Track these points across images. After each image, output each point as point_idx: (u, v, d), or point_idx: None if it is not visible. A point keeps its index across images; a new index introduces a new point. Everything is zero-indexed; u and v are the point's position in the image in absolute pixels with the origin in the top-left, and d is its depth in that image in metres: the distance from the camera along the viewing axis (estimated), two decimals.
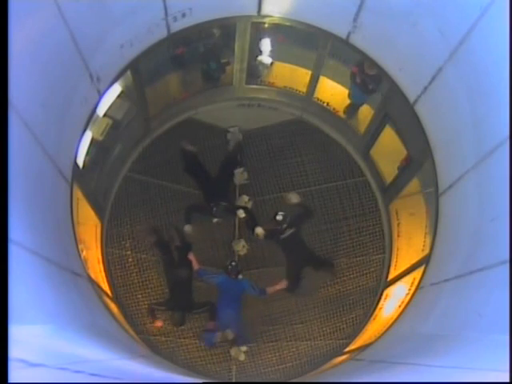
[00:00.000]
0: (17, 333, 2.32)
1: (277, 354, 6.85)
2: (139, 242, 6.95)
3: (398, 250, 6.68)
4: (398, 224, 6.69)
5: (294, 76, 7.08)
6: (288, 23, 5.63)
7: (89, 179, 5.84)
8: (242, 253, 7.07)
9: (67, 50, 3.97)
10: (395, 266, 6.61)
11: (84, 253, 5.27)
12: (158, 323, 6.49)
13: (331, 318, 6.95)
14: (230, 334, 6.35)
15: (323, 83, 6.92)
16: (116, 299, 6.51)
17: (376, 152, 6.89)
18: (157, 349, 6.55)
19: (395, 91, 5.39)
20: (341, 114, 7.18)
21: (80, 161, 5.18)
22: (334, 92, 7.06)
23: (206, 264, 6.82)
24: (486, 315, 3.26)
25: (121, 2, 4.37)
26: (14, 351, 2.14)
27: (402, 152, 6.13)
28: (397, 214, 6.72)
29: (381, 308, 6.64)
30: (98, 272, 6.21)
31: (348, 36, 5.30)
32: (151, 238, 6.72)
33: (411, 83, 5.05)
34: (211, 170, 7.01)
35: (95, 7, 4.09)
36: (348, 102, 7.02)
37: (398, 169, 6.43)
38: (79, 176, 5.11)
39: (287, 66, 7.12)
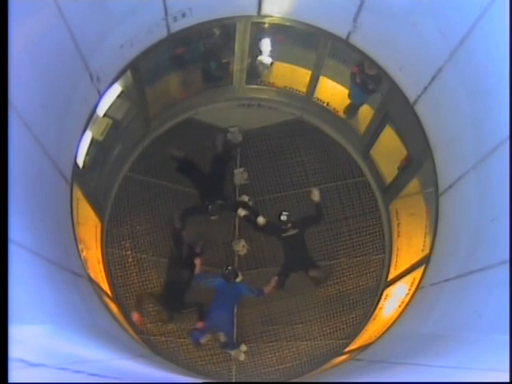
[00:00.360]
0: (17, 333, 2.32)
1: (277, 354, 6.85)
2: (139, 241, 6.95)
3: (397, 250, 6.68)
4: (398, 224, 6.69)
5: (294, 76, 7.08)
6: (288, 23, 5.63)
7: (89, 179, 5.84)
8: (242, 253, 7.07)
9: (67, 50, 3.97)
10: (395, 266, 6.61)
11: (84, 253, 5.27)
12: (136, 316, 6.33)
13: (331, 317, 6.95)
14: (221, 337, 6.36)
15: (323, 83, 6.92)
16: (116, 299, 6.51)
17: (376, 152, 6.89)
18: (157, 349, 6.55)
19: (395, 91, 5.39)
20: (341, 114, 7.18)
21: (80, 161, 5.18)
22: (334, 92, 7.06)
23: (206, 264, 6.83)
24: (486, 315, 3.26)
25: (121, 1, 4.37)
26: (14, 351, 2.14)
27: (402, 152, 6.13)
28: (397, 214, 6.72)
29: (381, 308, 6.64)
30: (97, 272, 6.21)
31: (348, 36, 5.30)
32: (176, 225, 6.67)
33: (411, 83, 5.05)
34: (204, 168, 6.96)
35: (95, 7, 4.09)
36: (348, 102, 7.02)
37: (398, 169, 6.43)
38: (79, 176, 5.11)
39: (287, 65, 7.12)
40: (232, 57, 6.64)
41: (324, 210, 6.86)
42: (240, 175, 7.32)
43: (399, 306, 5.67)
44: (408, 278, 5.77)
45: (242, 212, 6.83)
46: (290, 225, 6.42)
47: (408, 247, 6.36)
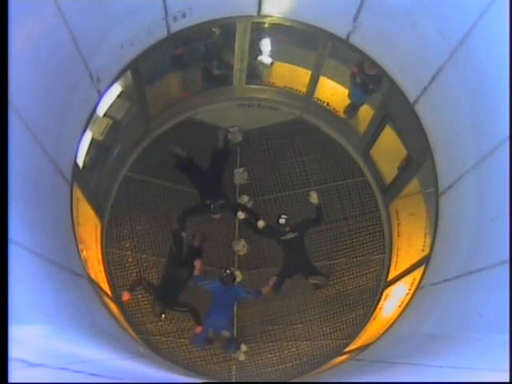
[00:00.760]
0: (17, 333, 2.32)
1: (277, 354, 6.85)
2: (139, 241, 6.95)
3: (398, 250, 6.68)
4: (398, 224, 6.69)
5: (294, 76, 7.08)
6: (288, 23, 5.63)
7: (89, 179, 5.84)
8: (242, 253, 7.07)
9: (67, 50, 3.97)
10: (395, 266, 6.61)
11: (84, 253, 5.27)
12: (127, 296, 6.28)
13: (331, 317, 6.95)
14: (225, 332, 6.35)
15: (323, 83, 6.92)
16: (116, 299, 6.51)
17: (376, 152, 6.89)
18: (157, 349, 6.55)
19: (395, 91, 5.39)
20: (341, 114, 7.18)
21: (80, 161, 5.18)
22: (334, 92, 7.06)
23: (205, 264, 6.83)
24: (485, 315, 3.26)
25: (121, 1, 4.36)
26: (14, 351, 2.14)
27: (402, 152, 6.13)
28: (397, 214, 6.72)
29: (381, 308, 6.64)
30: (97, 272, 6.21)
31: (348, 36, 5.30)
32: (174, 226, 6.68)
33: (411, 83, 5.05)
34: (203, 166, 6.95)
35: (95, 7, 4.09)
36: (348, 102, 7.02)
37: (398, 169, 6.43)
38: (79, 176, 5.11)
39: (287, 65, 7.11)
40: (232, 57, 6.64)
41: (324, 210, 6.85)
42: (240, 175, 7.32)
43: (399, 306, 5.67)
44: (408, 278, 5.77)
45: (241, 215, 6.83)
46: (288, 228, 6.42)
47: (408, 247, 6.36)
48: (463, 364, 2.90)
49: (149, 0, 4.70)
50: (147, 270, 6.88)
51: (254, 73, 7.06)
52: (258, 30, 6.19)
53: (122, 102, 5.95)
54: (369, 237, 7.10)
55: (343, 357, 6.46)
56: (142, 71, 5.84)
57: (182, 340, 6.78)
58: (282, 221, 6.39)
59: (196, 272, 6.42)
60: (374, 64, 5.47)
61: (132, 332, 6.24)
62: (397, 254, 6.66)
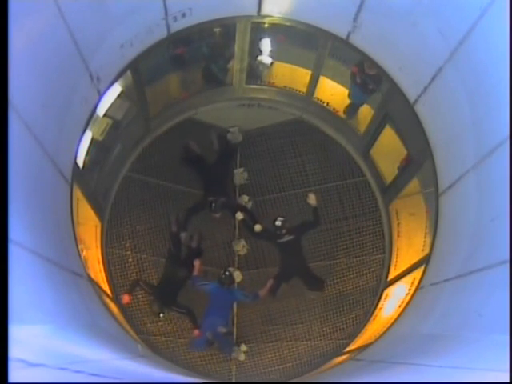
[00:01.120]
0: (17, 333, 2.32)
1: (277, 354, 6.85)
2: (139, 241, 6.95)
3: (398, 249, 6.68)
4: (398, 224, 6.69)
5: (294, 76, 7.08)
6: (288, 23, 5.63)
7: (89, 179, 5.84)
8: (242, 253, 7.07)
9: (67, 50, 3.97)
10: (395, 266, 6.61)
11: (84, 253, 5.27)
12: (127, 298, 6.30)
13: (331, 317, 6.96)
14: (222, 329, 6.34)
15: (323, 83, 6.92)
16: (116, 299, 6.51)
17: (376, 152, 6.89)
18: (157, 349, 6.55)
19: (395, 91, 5.39)
20: (341, 114, 7.18)
21: (80, 161, 5.18)
22: (334, 92, 7.06)
23: (205, 264, 6.83)
24: (485, 315, 3.26)
25: (121, 1, 4.37)
26: (14, 351, 2.14)
27: (402, 152, 6.13)
28: (397, 214, 6.72)
29: (381, 308, 6.64)
30: (97, 272, 6.21)
31: (348, 36, 5.30)
32: (173, 228, 6.68)
33: (411, 83, 5.05)
34: (210, 163, 6.97)
35: (95, 7, 4.09)
36: (348, 102, 7.02)
37: (398, 169, 6.43)
38: (79, 176, 5.11)
39: (287, 65, 7.11)
40: (232, 57, 6.64)
41: (321, 213, 6.81)
42: (240, 175, 7.32)
43: (399, 306, 5.67)
44: (408, 278, 5.77)
45: (239, 216, 6.83)
46: (285, 230, 6.39)
47: (408, 247, 6.36)
48: (463, 364, 2.90)
49: (149, 0, 4.70)
50: (147, 270, 6.88)
51: (254, 73, 7.07)
52: (258, 29, 6.19)
53: (121, 102, 5.95)
54: (369, 237, 7.10)
55: (343, 357, 6.46)
56: (142, 71, 5.84)
57: (182, 340, 6.78)
58: (278, 223, 6.37)
59: (195, 272, 6.41)
60: (374, 64, 5.47)
61: (132, 332, 6.25)
62: (397, 254, 6.67)
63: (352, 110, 7.08)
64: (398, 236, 6.69)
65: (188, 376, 5.93)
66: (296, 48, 6.80)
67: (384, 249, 6.99)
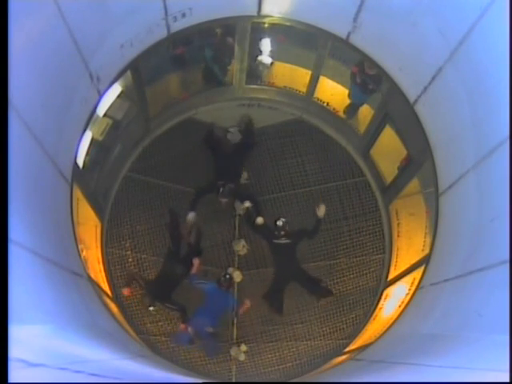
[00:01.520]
0: (17, 333, 2.32)
1: (277, 354, 6.85)
2: (139, 241, 6.95)
3: (398, 249, 6.68)
4: (398, 224, 6.69)
5: (294, 76, 7.08)
6: (288, 23, 5.63)
7: (89, 179, 5.84)
8: (242, 253, 7.06)
9: (67, 50, 3.97)
10: (395, 266, 6.61)
11: (84, 253, 5.27)
12: (126, 291, 6.49)
13: (331, 317, 6.95)
14: (210, 328, 6.36)
15: (323, 83, 6.92)
16: (116, 299, 6.51)
17: (376, 152, 6.89)
18: (157, 349, 6.55)
19: (395, 91, 5.39)
20: (341, 114, 7.17)
21: (80, 161, 5.18)
22: (334, 92, 7.06)
23: (205, 264, 6.83)
24: (485, 315, 3.26)
25: (121, 1, 4.36)
26: (14, 351, 2.14)
27: (402, 152, 6.13)
28: (397, 214, 6.72)
29: (381, 308, 6.64)
30: (97, 272, 6.21)
31: (348, 36, 5.30)
32: (166, 219, 6.75)
33: (411, 83, 5.05)
34: (228, 150, 7.06)
35: (95, 7, 4.09)
36: (348, 101, 7.02)
37: (398, 169, 6.43)
38: (79, 176, 5.11)
39: (287, 65, 7.11)
40: (232, 57, 6.64)
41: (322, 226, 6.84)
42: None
43: (399, 306, 5.67)
44: (408, 278, 5.77)
45: (247, 203, 6.81)
46: (283, 232, 6.44)
47: (408, 247, 6.36)
48: (463, 364, 2.90)
49: (149, 0, 4.70)
50: (147, 269, 6.88)
51: (254, 73, 7.06)
52: (258, 29, 6.19)
53: (121, 102, 5.95)
54: (369, 237, 7.10)
55: (343, 357, 6.46)
56: (142, 71, 5.84)
57: None
58: (279, 223, 6.43)
59: (193, 270, 6.43)
60: (374, 64, 5.47)
61: (132, 332, 6.24)
62: (397, 254, 6.66)
63: (352, 109, 7.07)
64: (398, 236, 6.69)
65: (188, 376, 5.93)
66: (296, 48, 6.79)
67: (384, 249, 6.99)
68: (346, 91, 6.90)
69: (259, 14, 5.58)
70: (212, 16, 5.43)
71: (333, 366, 6.28)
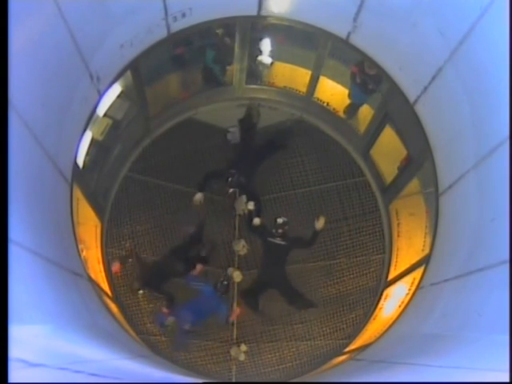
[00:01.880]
0: (17, 333, 2.32)
1: (277, 354, 6.85)
2: (139, 241, 6.95)
3: (398, 250, 6.68)
4: (398, 224, 6.69)
5: (294, 76, 7.08)
6: (288, 23, 5.63)
7: (89, 179, 5.84)
8: (242, 253, 7.06)
9: (67, 50, 3.97)
10: (395, 265, 6.61)
11: (84, 253, 5.28)
12: (117, 267, 6.51)
13: (331, 317, 6.95)
14: (187, 326, 6.36)
15: (323, 83, 6.92)
16: (116, 299, 6.51)
17: (376, 152, 6.89)
18: (157, 349, 6.55)
19: (395, 91, 5.39)
20: (341, 114, 7.18)
21: (80, 161, 5.18)
22: (334, 92, 7.07)
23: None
24: (485, 315, 3.26)
25: (121, 1, 4.36)
26: (14, 351, 2.14)
27: (402, 152, 6.13)
28: (397, 214, 6.72)
29: (381, 308, 6.64)
30: (97, 272, 6.21)
31: (348, 36, 5.30)
32: (190, 229, 6.74)
33: (411, 83, 5.05)
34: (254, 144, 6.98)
35: (95, 7, 4.09)
36: (348, 101, 7.02)
37: (398, 169, 6.43)
38: (79, 176, 5.11)
39: (287, 65, 7.12)
40: (232, 57, 6.64)
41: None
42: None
43: (399, 306, 5.67)
44: (408, 278, 5.77)
45: (250, 206, 6.75)
46: (281, 231, 6.33)
47: (408, 247, 6.36)
48: (463, 364, 2.90)
49: (149, 0, 4.70)
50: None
51: (254, 73, 7.07)
52: (258, 30, 6.20)
53: (121, 102, 5.95)
54: (369, 237, 7.10)
55: (343, 357, 6.46)
56: (142, 71, 5.84)
57: None
58: (279, 220, 6.36)
59: (195, 273, 6.42)
60: (374, 64, 5.47)
61: (132, 332, 6.24)
62: (397, 254, 6.66)
63: (352, 109, 7.08)
64: (398, 236, 6.69)
65: (188, 376, 5.93)
66: (296, 48, 6.80)
67: (384, 249, 6.99)
68: (346, 91, 6.91)
69: (259, 14, 5.58)
70: (212, 16, 5.44)
71: (333, 366, 6.28)
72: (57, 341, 3.10)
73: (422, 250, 5.57)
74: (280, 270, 6.57)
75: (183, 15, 5.16)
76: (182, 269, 6.49)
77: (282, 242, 6.40)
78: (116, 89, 5.54)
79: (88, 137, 5.35)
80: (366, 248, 7.07)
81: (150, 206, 7.09)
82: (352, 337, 6.78)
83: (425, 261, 5.22)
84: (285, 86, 7.18)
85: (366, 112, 6.85)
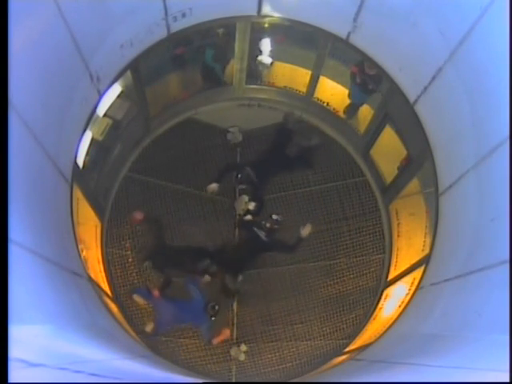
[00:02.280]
0: (17, 333, 2.32)
1: (277, 354, 6.85)
2: (139, 241, 6.95)
3: (397, 250, 6.68)
4: (398, 224, 6.69)
5: (294, 76, 7.08)
6: (288, 23, 5.62)
7: (89, 179, 5.84)
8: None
9: (67, 50, 3.97)
10: (395, 265, 6.61)
11: (84, 253, 5.28)
12: (139, 215, 6.65)
13: (331, 318, 6.95)
14: (152, 324, 6.34)
15: (323, 83, 6.92)
16: (116, 299, 6.51)
17: (376, 152, 6.89)
18: (157, 349, 6.55)
19: (395, 91, 5.39)
20: (341, 114, 7.18)
21: (80, 161, 5.18)
22: (334, 92, 7.07)
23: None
24: (485, 315, 3.26)
25: (121, 1, 4.37)
26: (14, 351, 2.14)
27: (402, 152, 6.13)
28: (397, 214, 6.72)
29: (381, 308, 6.64)
30: (97, 272, 6.21)
31: (348, 36, 5.30)
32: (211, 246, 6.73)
33: (411, 83, 5.05)
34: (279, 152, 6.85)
35: (95, 7, 4.09)
36: (348, 101, 7.02)
37: (397, 169, 6.43)
38: (79, 176, 5.11)
39: (287, 65, 7.12)
40: (232, 57, 6.64)
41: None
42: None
43: (399, 306, 5.67)
44: (408, 278, 5.77)
45: (251, 206, 6.74)
46: (269, 225, 6.23)
47: (408, 247, 6.36)
48: (463, 364, 2.90)
49: (149, 0, 4.70)
50: (147, 269, 6.88)
51: (254, 73, 7.07)
52: (258, 30, 6.20)
53: (121, 102, 5.95)
54: (369, 237, 7.10)
55: (343, 357, 6.46)
56: (142, 71, 5.84)
57: (182, 340, 6.77)
58: (274, 216, 6.29)
59: (200, 279, 6.39)
60: (374, 64, 5.47)
61: (132, 332, 6.24)
62: (397, 254, 6.67)
63: (352, 109, 7.08)
64: (398, 236, 6.70)
65: (188, 376, 5.92)
66: (296, 48, 6.81)
67: (384, 249, 6.99)
68: (346, 91, 6.91)
69: (259, 14, 5.58)
70: (212, 16, 5.43)
71: (333, 366, 6.28)
72: (57, 341, 3.10)
73: (422, 250, 5.57)
74: (247, 260, 6.55)
75: (183, 15, 5.16)
76: (192, 267, 6.45)
77: (265, 238, 6.28)
78: (116, 89, 5.54)
79: (88, 137, 5.35)
80: (366, 248, 7.07)
81: (149, 206, 7.09)
82: (352, 337, 6.78)
83: (425, 261, 5.22)
84: (285, 86, 7.18)
85: (365, 112, 6.85)
